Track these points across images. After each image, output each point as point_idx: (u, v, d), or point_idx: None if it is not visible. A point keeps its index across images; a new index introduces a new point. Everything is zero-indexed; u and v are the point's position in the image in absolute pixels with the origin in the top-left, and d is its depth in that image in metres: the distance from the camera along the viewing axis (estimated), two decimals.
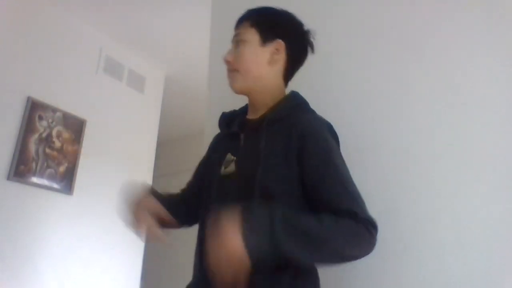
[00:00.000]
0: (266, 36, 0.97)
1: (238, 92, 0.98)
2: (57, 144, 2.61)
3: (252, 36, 0.96)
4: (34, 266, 2.35)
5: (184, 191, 1.10)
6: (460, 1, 1.13)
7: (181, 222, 1.02)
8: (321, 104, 1.29)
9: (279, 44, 0.97)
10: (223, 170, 0.93)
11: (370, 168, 1.13)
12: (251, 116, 1.01)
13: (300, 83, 1.36)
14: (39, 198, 2.45)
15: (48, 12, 2.74)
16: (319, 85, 1.33)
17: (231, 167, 0.91)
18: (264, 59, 0.96)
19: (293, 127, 0.89)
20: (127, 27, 3.02)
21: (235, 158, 0.92)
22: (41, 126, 2.54)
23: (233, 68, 0.97)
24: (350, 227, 0.78)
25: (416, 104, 1.11)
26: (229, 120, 1.04)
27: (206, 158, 1.09)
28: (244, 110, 1.06)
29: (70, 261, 2.53)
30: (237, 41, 0.98)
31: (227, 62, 0.98)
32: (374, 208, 1.10)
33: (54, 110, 2.63)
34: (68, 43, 2.83)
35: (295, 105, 0.97)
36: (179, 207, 1.03)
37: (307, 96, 1.33)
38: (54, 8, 2.77)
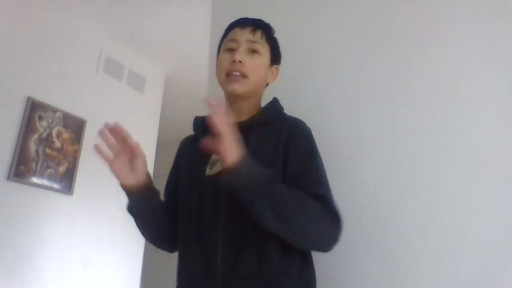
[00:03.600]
0: (274, 59, 1.07)
1: (238, 94, 1.00)
2: (57, 144, 2.61)
3: (266, 51, 1.03)
4: (34, 266, 2.35)
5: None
6: (460, 1, 1.13)
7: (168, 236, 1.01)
8: (321, 103, 1.29)
9: (277, 69, 1.09)
10: (208, 171, 0.94)
11: (370, 168, 1.13)
12: (230, 119, 1.03)
13: (300, 84, 1.36)
14: (39, 198, 2.45)
15: (48, 12, 2.74)
16: (320, 85, 1.33)
17: (217, 167, 0.93)
18: (266, 77, 1.06)
19: (282, 128, 0.97)
20: (127, 27, 3.02)
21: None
22: (41, 126, 2.54)
23: (242, 72, 0.98)
24: (318, 208, 0.83)
25: (416, 104, 1.11)
26: (204, 124, 1.05)
27: (176, 167, 1.09)
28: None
29: (70, 261, 2.53)
30: (253, 49, 1.01)
31: (239, 62, 0.97)
32: (374, 208, 1.10)
33: (54, 110, 2.63)
34: (68, 43, 2.83)
35: (279, 111, 1.05)
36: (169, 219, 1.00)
37: (308, 97, 1.33)
38: (54, 8, 2.77)
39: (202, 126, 1.05)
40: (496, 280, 0.90)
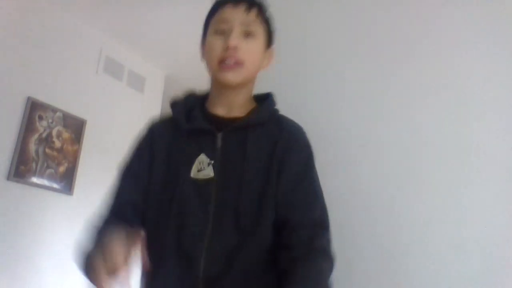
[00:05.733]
0: (269, 41, 0.94)
1: (233, 85, 0.88)
2: (57, 144, 2.61)
3: (261, 33, 0.90)
4: (34, 266, 2.35)
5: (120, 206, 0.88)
6: (460, 2, 1.13)
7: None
8: (320, 104, 1.29)
9: (273, 51, 0.96)
10: (195, 173, 0.83)
11: (370, 168, 1.13)
12: (218, 110, 0.91)
13: (297, 83, 1.36)
14: (39, 198, 2.45)
15: (48, 12, 2.74)
16: (318, 85, 1.33)
17: (207, 171, 0.83)
18: (261, 63, 0.93)
19: (280, 132, 0.88)
20: (127, 27, 3.02)
21: (211, 161, 0.83)
22: (41, 126, 2.54)
23: (238, 59, 0.85)
24: (327, 268, 0.76)
25: (416, 104, 1.11)
26: (186, 111, 0.91)
27: (148, 156, 0.90)
28: (201, 100, 0.95)
29: (70, 261, 2.53)
30: (248, 32, 0.87)
31: (235, 48, 0.84)
32: (374, 208, 1.10)
33: (54, 110, 2.63)
34: (68, 43, 2.83)
35: (274, 109, 0.95)
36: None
37: (306, 97, 1.33)
38: (54, 8, 2.77)
39: (184, 113, 0.90)
40: (497, 280, 0.90)
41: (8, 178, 2.31)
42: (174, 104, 0.94)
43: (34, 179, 2.44)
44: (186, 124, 0.88)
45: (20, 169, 2.37)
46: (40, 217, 2.44)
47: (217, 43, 0.86)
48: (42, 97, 2.57)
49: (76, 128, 2.74)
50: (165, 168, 0.87)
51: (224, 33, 0.86)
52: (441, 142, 1.05)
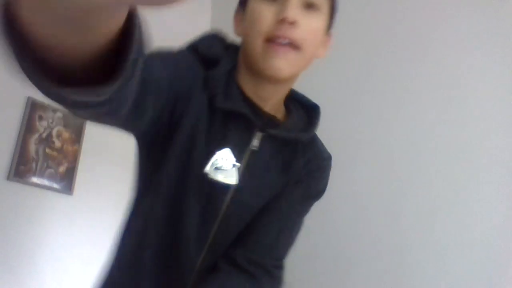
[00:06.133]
0: (331, 23, 0.70)
1: (280, 77, 0.64)
2: (57, 144, 2.61)
3: (326, 7, 0.66)
4: (34, 266, 2.35)
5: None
6: (460, 2, 1.13)
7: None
8: (322, 103, 1.29)
9: (332, 37, 0.73)
10: (211, 171, 0.62)
11: (371, 168, 1.13)
12: (251, 94, 0.67)
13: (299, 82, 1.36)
14: (39, 198, 2.45)
15: None
16: (319, 85, 1.33)
17: (230, 174, 0.62)
18: (318, 50, 0.69)
19: (309, 156, 0.74)
20: None
21: (239, 164, 0.63)
22: (41, 126, 2.54)
23: (294, 39, 0.61)
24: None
25: (417, 104, 1.11)
26: (225, 80, 0.65)
27: (180, 79, 0.65)
28: (231, 64, 0.70)
29: (70, 261, 2.53)
30: (310, 3, 0.62)
31: (292, 24, 0.59)
32: (374, 208, 1.10)
33: (54, 110, 2.63)
34: None
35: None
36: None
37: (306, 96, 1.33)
38: None
39: (222, 84, 0.63)
40: (497, 280, 0.90)
41: (8, 178, 2.31)
42: (211, 62, 0.67)
43: (34, 179, 2.44)
44: (224, 101, 0.63)
45: (20, 169, 2.37)
46: (40, 217, 2.44)
47: (266, 12, 0.61)
48: (42, 97, 2.57)
49: (76, 128, 2.74)
50: (182, 154, 0.63)
51: (276, 1, 0.61)
52: (442, 142, 1.05)
